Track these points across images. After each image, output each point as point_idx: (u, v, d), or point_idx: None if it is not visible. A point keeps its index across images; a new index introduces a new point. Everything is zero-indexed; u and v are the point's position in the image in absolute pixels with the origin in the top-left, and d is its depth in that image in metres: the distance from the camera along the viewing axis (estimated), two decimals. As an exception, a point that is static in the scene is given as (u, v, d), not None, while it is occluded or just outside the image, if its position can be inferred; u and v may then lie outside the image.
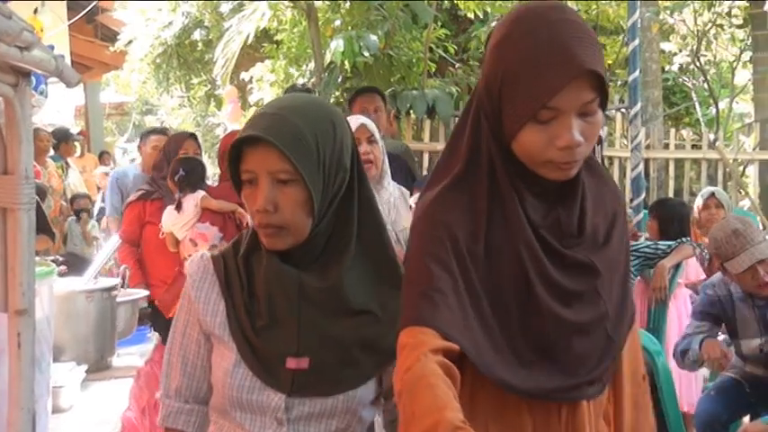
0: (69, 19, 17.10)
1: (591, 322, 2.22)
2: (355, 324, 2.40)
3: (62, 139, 14.38)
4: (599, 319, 2.23)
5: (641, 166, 9.16)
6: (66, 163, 14.37)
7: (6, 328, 2.14)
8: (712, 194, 8.41)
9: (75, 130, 17.84)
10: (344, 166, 2.42)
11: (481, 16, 15.62)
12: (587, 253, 2.23)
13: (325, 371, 2.38)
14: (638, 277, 6.87)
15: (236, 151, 2.35)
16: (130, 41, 20.95)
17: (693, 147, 14.82)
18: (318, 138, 2.33)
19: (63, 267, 6.75)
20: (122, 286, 5.12)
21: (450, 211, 2.17)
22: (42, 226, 7.75)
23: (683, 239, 7.02)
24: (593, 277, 2.23)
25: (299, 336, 2.39)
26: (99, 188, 15.14)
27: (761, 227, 10.28)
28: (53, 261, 5.25)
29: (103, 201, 14.11)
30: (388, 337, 2.23)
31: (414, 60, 15.58)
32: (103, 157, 18.37)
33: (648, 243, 6.96)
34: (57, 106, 18.41)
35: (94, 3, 18.74)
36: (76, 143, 15.93)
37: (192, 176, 6.81)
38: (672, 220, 7.55)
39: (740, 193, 14.52)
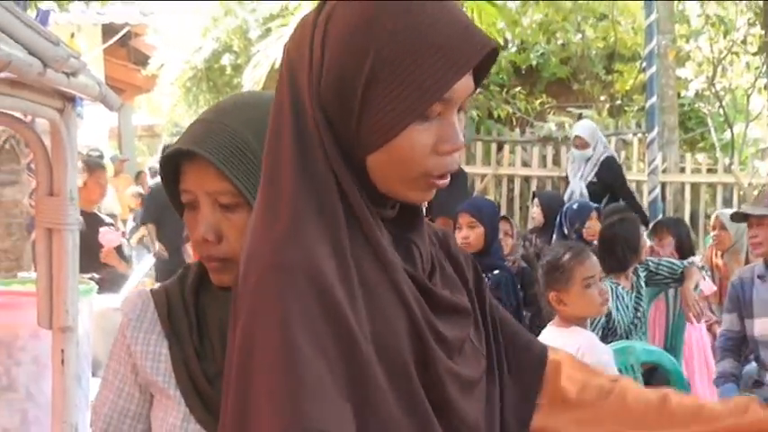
0: (104, 43, 17.22)
1: (477, 380, 1.69)
2: None
3: (94, 168, 14.45)
4: (480, 376, 1.71)
5: (658, 190, 9.17)
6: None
7: (50, 344, 2.15)
8: (716, 216, 8.38)
9: (108, 150, 17.91)
10: None
11: (501, 42, 15.77)
12: (449, 293, 1.69)
13: None
14: (656, 297, 6.83)
15: (171, 167, 1.86)
16: (162, 65, 21.07)
17: (709, 171, 14.86)
18: None
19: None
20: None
21: (310, 253, 1.44)
22: (122, 254, 7.85)
23: (690, 261, 7.00)
24: (467, 321, 1.71)
25: None
26: (131, 208, 15.20)
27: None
28: (90, 279, 5.28)
29: (135, 220, 14.24)
30: None
31: None
32: (140, 176, 18.40)
33: (665, 261, 6.92)
34: (91, 127, 18.52)
35: (128, 28, 18.85)
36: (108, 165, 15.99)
37: None
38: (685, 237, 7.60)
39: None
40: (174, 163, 1.85)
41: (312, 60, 1.52)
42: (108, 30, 18.97)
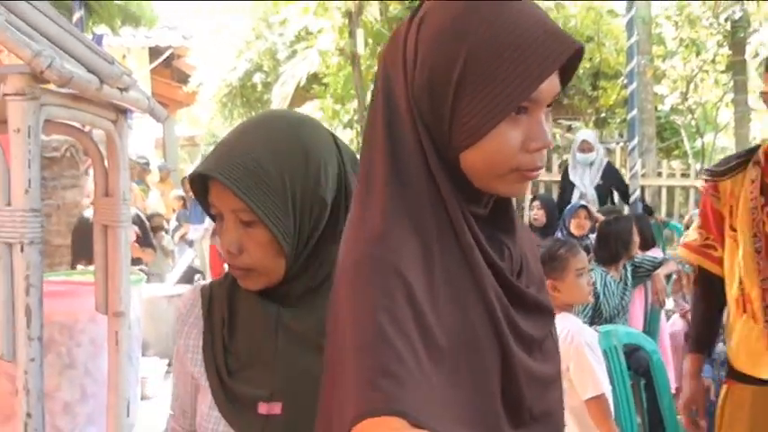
0: (150, 63, 17.24)
1: (554, 376, 1.62)
2: None
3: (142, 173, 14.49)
4: (558, 371, 1.64)
5: (638, 192, 9.16)
6: (147, 186, 14.45)
7: (106, 327, 2.15)
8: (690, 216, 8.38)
9: (154, 158, 17.92)
10: (321, 198, 1.79)
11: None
12: (535, 291, 1.60)
13: (299, 418, 1.78)
14: (637, 286, 6.84)
15: (201, 182, 1.82)
16: (200, 83, 21.13)
17: (683, 175, 14.94)
18: (285, 170, 1.75)
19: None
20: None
21: (398, 252, 1.38)
22: (148, 241, 7.81)
23: (669, 256, 7.03)
24: (549, 320, 1.63)
25: (275, 379, 1.84)
26: (174, 209, 15.21)
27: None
28: (140, 270, 5.29)
29: (177, 220, 14.27)
30: None
31: None
32: (184, 182, 18.41)
33: (647, 257, 6.92)
34: (139, 138, 18.55)
35: (171, 50, 18.87)
36: (152, 170, 16.00)
37: None
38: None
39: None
40: (201, 179, 1.81)
41: (406, 61, 1.45)
42: (154, 52, 18.99)
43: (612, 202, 9.20)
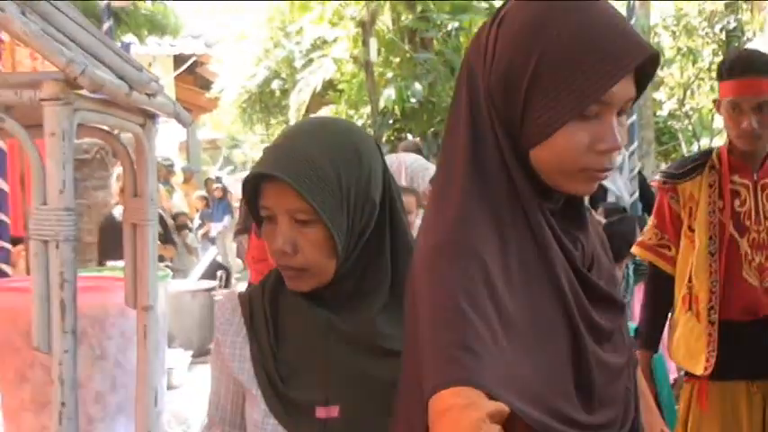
0: (175, 70, 17.27)
1: (623, 366, 1.57)
2: (389, 368, 1.68)
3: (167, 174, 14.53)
4: (626, 363, 1.59)
5: (638, 193, 9.14)
6: (172, 187, 14.49)
7: (135, 321, 2.15)
8: None
9: (178, 161, 17.96)
10: (372, 199, 1.78)
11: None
12: (606, 285, 1.57)
13: (358, 420, 1.77)
14: (638, 284, 6.84)
15: (253, 185, 1.80)
16: (222, 89, 21.18)
17: (680, 177, 14.79)
18: (341, 171, 1.73)
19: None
20: (220, 287, 5.22)
21: (476, 236, 1.37)
22: (169, 238, 7.82)
23: None
24: (619, 314, 1.59)
25: (329, 383, 1.79)
26: (197, 209, 15.25)
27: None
28: (166, 266, 5.32)
29: (201, 218, 14.31)
30: None
31: None
32: (208, 183, 18.43)
33: None
34: (164, 141, 18.59)
35: (194, 58, 18.90)
36: (177, 172, 16.03)
37: None
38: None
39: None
40: (254, 183, 1.78)
41: (486, 57, 1.44)
42: (178, 59, 19.03)
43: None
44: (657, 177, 3.85)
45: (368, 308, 1.79)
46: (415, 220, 5.50)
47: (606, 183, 9.30)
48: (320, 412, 1.78)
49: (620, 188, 9.16)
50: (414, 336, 1.38)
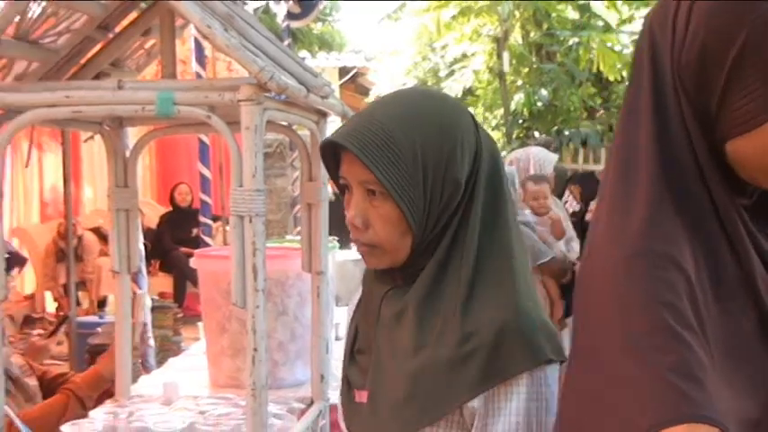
0: (339, 80, 17.47)
1: None
2: (420, 360, 1.36)
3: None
4: None
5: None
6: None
7: (310, 283, 2.18)
8: None
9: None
10: (454, 178, 1.37)
11: (619, 78, 15.55)
12: None
13: (380, 407, 1.42)
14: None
15: (332, 155, 1.45)
16: (378, 96, 21.35)
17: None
18: (418, 143, 1.35)
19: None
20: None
21: (672, 244, 1.00)
22: None
23: None
24: None
25: (370, 366, 1.46)
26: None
27: None
28: (334, 239, 5.41)
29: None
30: (464, 372, 1.33)
31: (572, 108, 15.69)
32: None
33: None
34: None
35: (356, 69, 19.04)
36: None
37: None
38: None
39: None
40: (333, 151, 1.44)
41: (675, 30, 1.02)
42: (342, 71, 19.23)
43: None
44: None
45: (450, 299, 1.37)
46: (552, 206, 5.41)
47: None
48: (358, 395, 1.49)
49: None
50: (594, 358, 0.99)
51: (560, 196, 8.23)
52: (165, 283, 9.02)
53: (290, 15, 7.79)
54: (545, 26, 16.85)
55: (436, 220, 1.38)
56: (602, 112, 16.26)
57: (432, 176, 1.35)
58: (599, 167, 14.32)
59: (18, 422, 1.86)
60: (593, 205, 5.98)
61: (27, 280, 8.68)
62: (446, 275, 1.39)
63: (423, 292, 1.39)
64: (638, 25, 17.11)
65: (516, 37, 17.11)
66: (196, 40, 5.77)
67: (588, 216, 5.99)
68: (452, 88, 17.53)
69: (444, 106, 1.42)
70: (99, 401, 2.66)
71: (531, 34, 17.06)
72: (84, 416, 2.23)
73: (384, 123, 1.35)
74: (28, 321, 7.33)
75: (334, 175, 1.46)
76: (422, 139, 1.35)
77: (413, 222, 1.36)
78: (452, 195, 1.37)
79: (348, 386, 1.52)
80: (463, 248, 1.38)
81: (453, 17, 17.46)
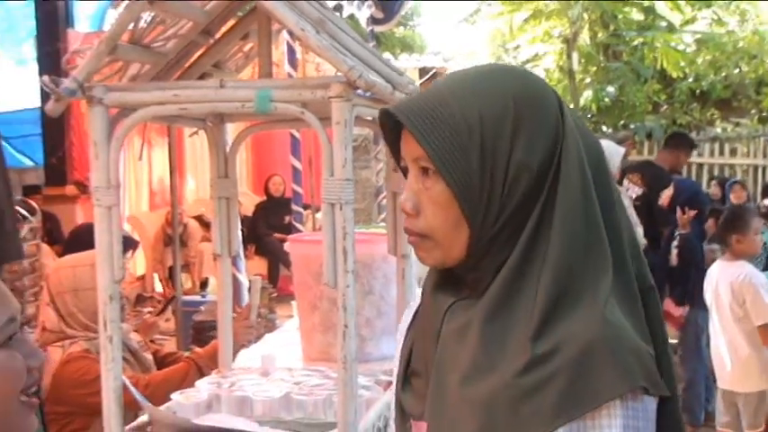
0: (420, 80, 17.44)
1: None
2: (488, 388, 1.02)
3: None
4: None
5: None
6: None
7: (395, 266, 2.18)
8: None
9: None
10: (524, 162, 1.05)
11: (682, 75, 15.31)
12: None
13: None
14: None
15: (395, 135, 1.14)
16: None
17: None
18: (475, 115, 1.05)
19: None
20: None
21: None
22: None
23: None
24: None
25: (429, 392, 1.11)
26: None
27: None
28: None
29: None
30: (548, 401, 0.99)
31: (637, 104, 15.49)
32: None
33: None
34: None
35: (434, 70, 19.00)
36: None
37: None
38: None
39: None
40: (395, 131, 1.14)
41: None
42: (422, 71, 19.20)
43: None
44: None
45: (516, 312, 1.05)
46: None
47: None
48: (416, 428, 1.16)
49: None
50: None
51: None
52: (259, 265, 9.13)
53: (374, 20, 7.79)
54: (612, 27, 16.60)
55: (498, 210, 1.06)
56: (665, 107, 16.02)
57: (491, 155, 1.05)
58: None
59: (132, 389, 1.90)
60: (665, 193, 5.88)
61: (138, 263, 8.89)
62: (523, 284, 1.06)
63: (493, 303, 1.06)
64: (700, 25, 16.75)
65: (585, 38, 16.86)
66: (288, 44, 5.83)
67: (659, 200, 5.87)
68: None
69: (519, 82, 1.10)
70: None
71: (599, 35, 16.80)
72: (195, 385, 2.27)
73: (442, 92, 1.09)
74: (139, 300, 7.54)
75: (398, 158, 1.17)
76: (481, 112, 1.06)
77: (465, 204, 1.06)
78: (518, 181, 1.06)
79: (403, 415, 1.19)
80: (546, 252, 1.05)
81: (525, 20, 17.27)
